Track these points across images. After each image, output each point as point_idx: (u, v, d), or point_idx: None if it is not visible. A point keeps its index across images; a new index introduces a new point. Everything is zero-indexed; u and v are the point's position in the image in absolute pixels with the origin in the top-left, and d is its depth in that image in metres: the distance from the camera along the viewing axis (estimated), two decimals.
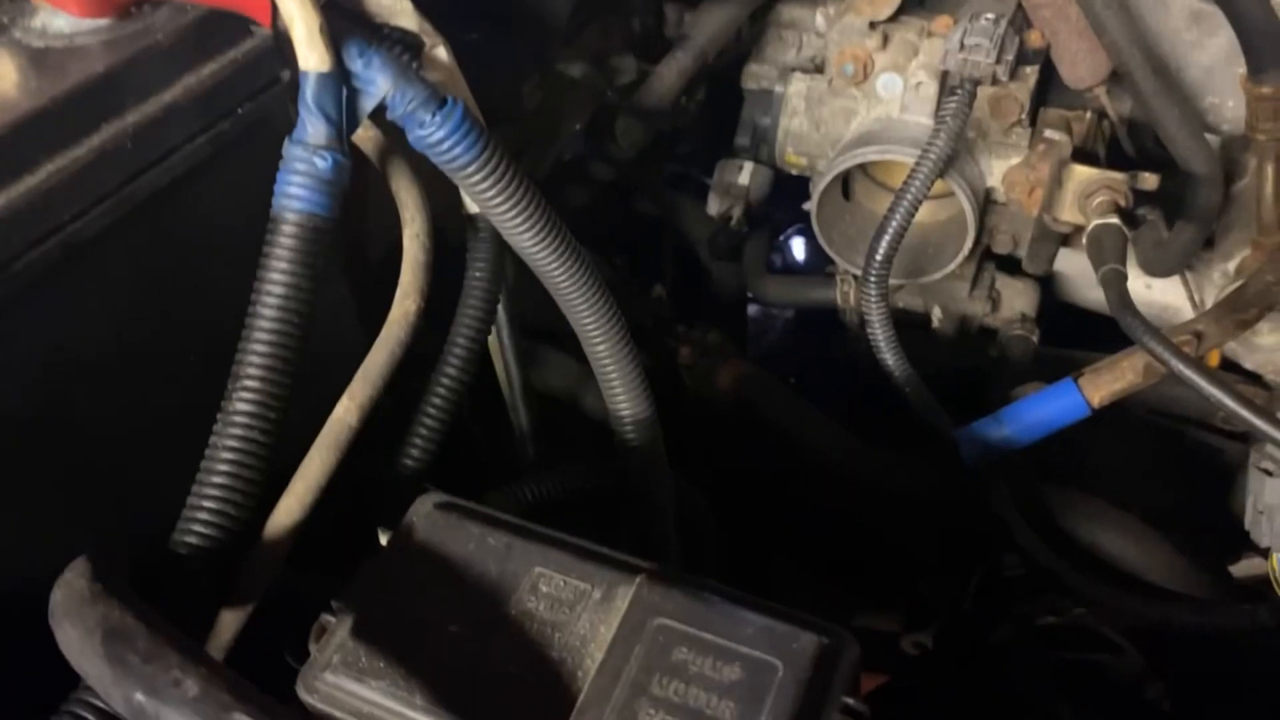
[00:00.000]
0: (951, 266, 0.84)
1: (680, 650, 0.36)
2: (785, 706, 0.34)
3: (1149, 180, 0.75)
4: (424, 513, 0.45)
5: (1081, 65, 0.81)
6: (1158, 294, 0.91)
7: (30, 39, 0.44)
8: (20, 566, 0.41)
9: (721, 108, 0.97)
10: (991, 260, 0.93)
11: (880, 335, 0.78)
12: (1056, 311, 1.00)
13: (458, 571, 0.42)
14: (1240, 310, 0.67)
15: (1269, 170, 0.79)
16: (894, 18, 0.83)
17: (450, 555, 0.43)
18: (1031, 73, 0.82)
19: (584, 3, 0.79)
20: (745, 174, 0.93)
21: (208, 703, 0.31)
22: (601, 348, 0.55)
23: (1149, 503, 0.83)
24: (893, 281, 0.88)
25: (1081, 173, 0.74)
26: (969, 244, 0.82)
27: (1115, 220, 0.71)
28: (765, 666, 0.35)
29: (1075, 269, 0.93)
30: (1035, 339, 0.93)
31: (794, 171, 0.91)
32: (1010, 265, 0.93)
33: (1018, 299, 0.94)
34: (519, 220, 0.49)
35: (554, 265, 0.50)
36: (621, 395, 0.56)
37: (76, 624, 0.35)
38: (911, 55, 0.83)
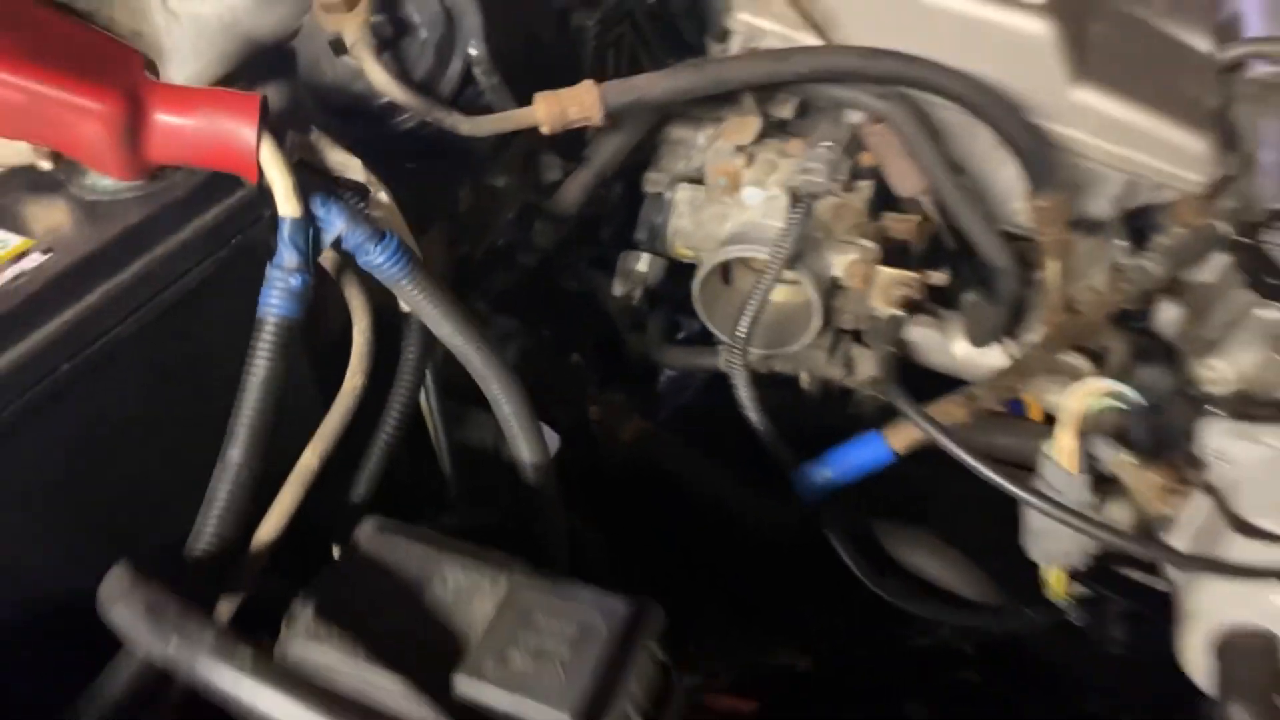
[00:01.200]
0: (806, 339, 1.04)
1: (538, 615, 0.54)
2: (604, 650, 0.52)
3: (937, 278, 0.95)
4: (368, 532, 0.62)
5: (904, 180, 1.01)
6: (988, 358, 1.11)
7: (84, 194, 0.62)
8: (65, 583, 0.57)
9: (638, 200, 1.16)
10: (846, 333, 1.12)
11: (743, 394, 0.97)
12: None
13: (391, 573, 0.59)
14: (1007, 378, 0.87)
15: (1050, 264, 1.00)
16: (758, 141, 1.04)
17: (386, 562, 0.60)
18: (866, 186, 1.02)
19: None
20: (643, 263, 1.12)
21: (223, 646, 0.48)
22: (505, 408, 0.72)
23: (980, 533, 1.02)
24: (765, 351, 1.07)
25: (884, 272, 0.94)
26: (817, 322, 1.02)
27: (897, 312, 0.91)
28: (593, 624, 0.53)
29: (920, 337, 1.13)
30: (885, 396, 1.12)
31: (684, 260, 1.11)
32: None
33: (867, 365, 1.13)
34: (438, 316, 0.67)
35: (464, 346, 0.69)
36: (521, 446, 0.74)
37: (124, 603, 0.52)
38: (771, 172, 1.03)
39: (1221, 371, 0.89)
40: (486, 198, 1.04)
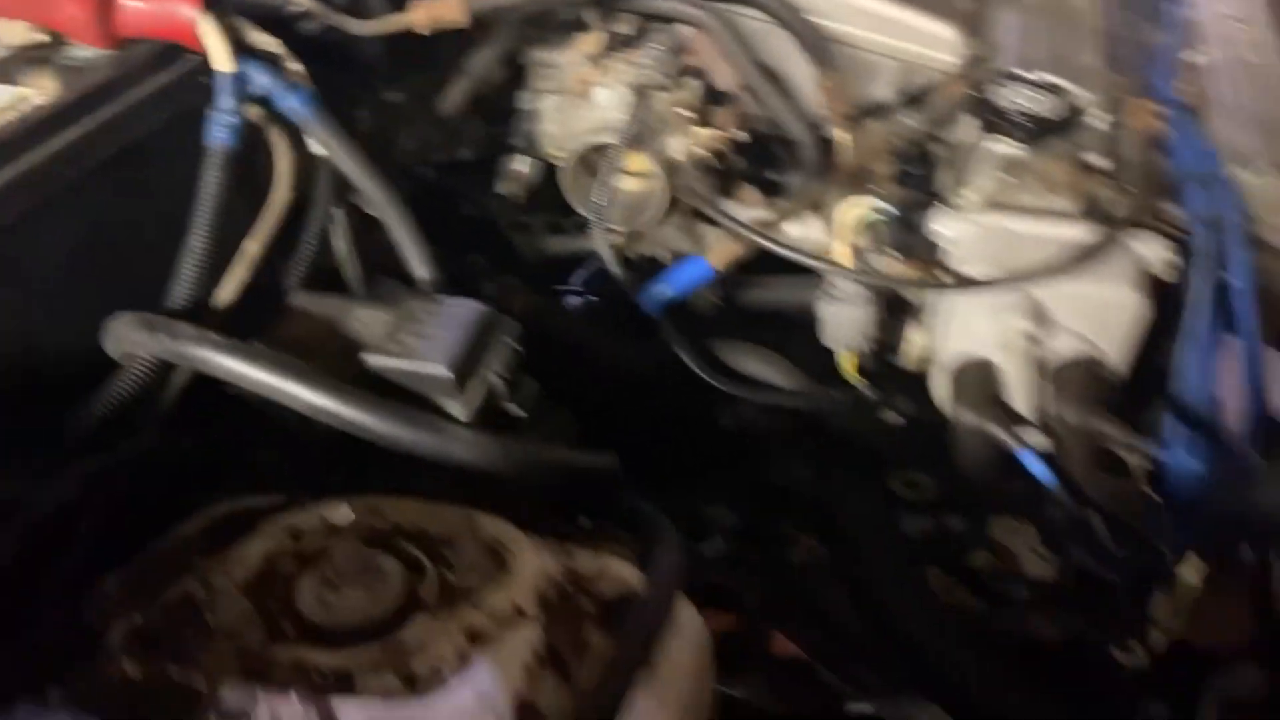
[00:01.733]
0: (657, 214, 1.27)
1: (422, 315, 0.77)
2: (469, 332, 0.75)
3: (740, 135, 1.20)
4: (301, 297, 0.84)
5: (723, 76, 1.26)
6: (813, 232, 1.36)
7: (68, 62, 0.83)
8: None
9: None
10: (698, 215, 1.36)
11: (603, 251, 1.20)
12: None
13: (317, 316, 0.81)
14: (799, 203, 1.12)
15: (840, 134, 1.25)
16: (606, 53, 1.28)
17: (314, 311, 0.82)
18: (695, 83, 1.27)
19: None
20: (521, 163, 1.34)
21: (201, 335, 0.70)
22: (399, 232, 0.95)
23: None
24: (626, 229, 1.31)
25: (698, 131, 1.19)
26: (664, 196, 1.25)
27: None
28: (462, 317, 0.76)
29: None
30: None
31: (557, 161, 1.33)
32: None
33: (718, 243, 1.36)
34: (340, 152, 0.89)
35: (362, 178, 0.91)
36: (415, 264, 0.96)
37: (122, 322, 0.73)
38: (617, 75, 1.27)
39: (968, 196, 1.15)
40: (387, 115, 1.27)
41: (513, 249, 1.46)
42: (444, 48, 1.29)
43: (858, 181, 1.24)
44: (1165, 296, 1.11)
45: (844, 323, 1.09)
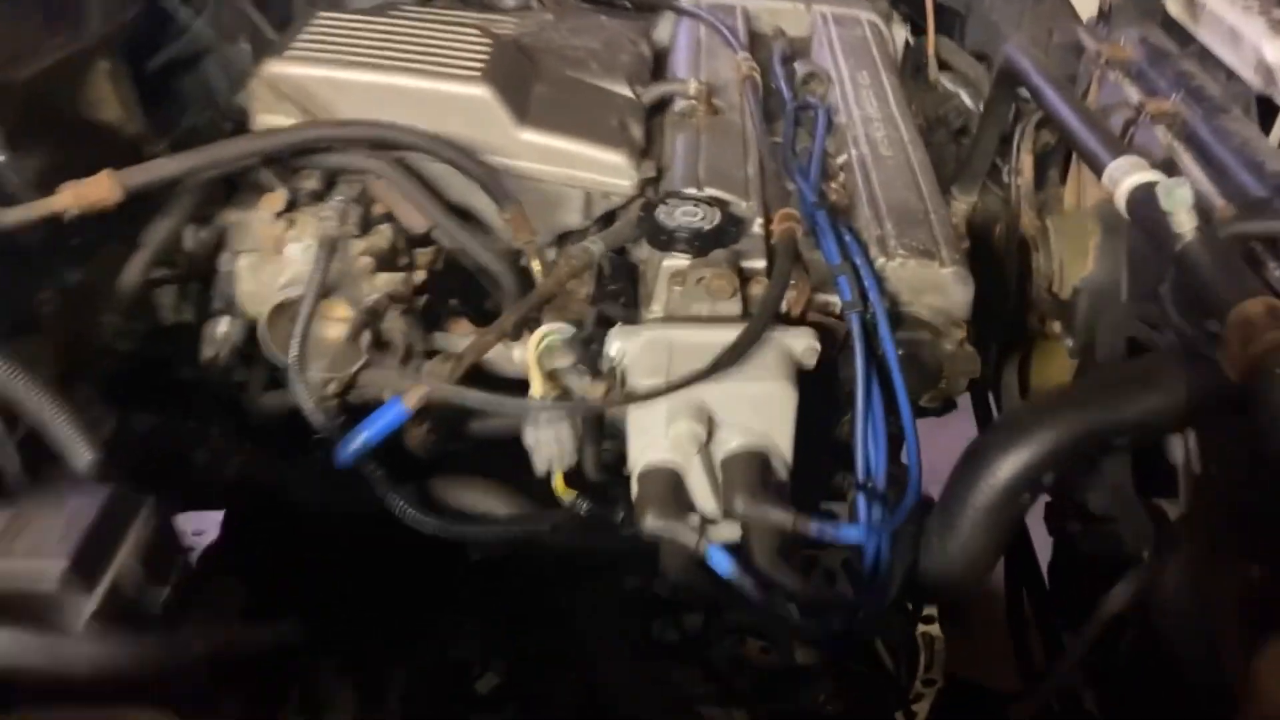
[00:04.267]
0: (358, 361, 1.28)
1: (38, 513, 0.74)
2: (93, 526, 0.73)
3: (417, 276, 1.24)
4: None
5: (411, 219, 1.30)
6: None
7: None
8: None
9: None
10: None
11: (308, 411, 1.19)
12: None
13: None
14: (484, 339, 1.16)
15: (533, 263, 1.31)
16: (294, 208, 1.29)
17: None
18: (386, 227, 1.30)
19: None
20: (224, 325, 1.33)
21: None
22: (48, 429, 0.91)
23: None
24: (330, 375, 1.30)
25: (381, 276, 1.22)
26: (365, 344, 1.27)
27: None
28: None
29: (491, 354, 1.40)
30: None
31: (257, 319, 1.33)
32: None
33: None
34: None
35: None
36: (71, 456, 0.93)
37: None
38: (306, 229, 1.29)
39: (653, 310, 1.22)
40: (72, 296, 1.23)
41: (237, 408, 1.43)
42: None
43: (558, 305, 1.30)
44: (834, 381, 1.21)
45: (544, 445, 1.13)
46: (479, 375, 1.27)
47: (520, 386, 1.19)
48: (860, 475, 1.13)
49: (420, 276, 1.25)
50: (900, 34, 1.94)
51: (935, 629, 1.54)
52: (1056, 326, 1.60)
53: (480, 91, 1.30)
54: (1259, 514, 0.93)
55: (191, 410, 1.40)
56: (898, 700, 1.54)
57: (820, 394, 1.23)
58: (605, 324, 1.18)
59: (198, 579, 0.80)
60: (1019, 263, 1.77)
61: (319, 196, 1.33)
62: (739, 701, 1.46)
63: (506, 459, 1.28)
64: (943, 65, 2.06)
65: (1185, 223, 1.02)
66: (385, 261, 1.27)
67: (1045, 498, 1.45)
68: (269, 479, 1.26)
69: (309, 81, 1.29)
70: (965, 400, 1.78)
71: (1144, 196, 1.11)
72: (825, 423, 1.29)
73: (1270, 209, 1.15)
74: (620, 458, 1.15)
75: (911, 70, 2.05)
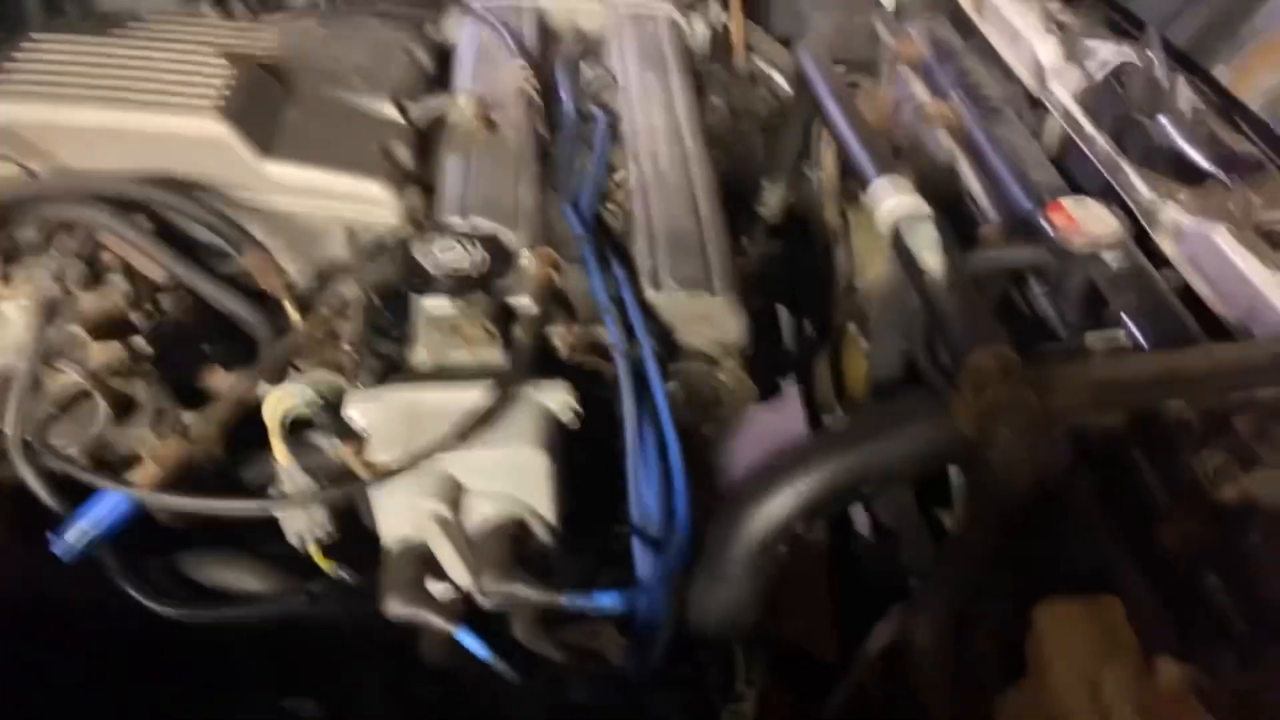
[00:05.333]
0: (95, 428, 1.17)
1: None
2: None
3: (139, 343, 1.14)
4: None
5: (148, 269, 1.20)
6: None
7: None
8: None
9: None
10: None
11: (32, 484, 1.08)
12: None
13: None
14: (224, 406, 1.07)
15: (287, 306, 1.22)
16: (12, 263, 1.17)
17: None
18: (118, 278, 1.19)
19: None
20: None
21: None
22: None
23: None
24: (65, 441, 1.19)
25: (94, 346, 1.12)
26: (102, 404, 1.16)
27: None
28: None
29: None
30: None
31: None
32: None
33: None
34: None
35: None
36: None
37: None
38: (24, 288, 1.16)
39: (419, 354, 1.14)
40: None
41: None
42: None
43: (316, 351, 1.22)
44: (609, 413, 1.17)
45: (293, 519, 1.05)
46: (252, 418, 1.20)
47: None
48: (635, 519, 1.10)
49: (144, 348, 1.15)
50: (702, 27, 1.88)
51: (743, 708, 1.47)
52: (853, 328, 1.60)
53: (214, 125, 1.19)
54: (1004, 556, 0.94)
55: None
56: None
57: (597, 439, 1.19)
58: (372, 369, 1.11)
59: None
60: (823, 257, 1.77)
61: (41, 248, 1.21)
62: None
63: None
64: (749, 49, 2.02)
65: (929, 261, 1.01)
66: (116, 320, 1.16)
67: None
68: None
69: (15, 124, 1.16)
70: None
71: (900, 229, 1.10)
72: (604, 469, 1.25)
73: (1028, 230, 1.15)
74: None
75: (721, 58, 2.01)
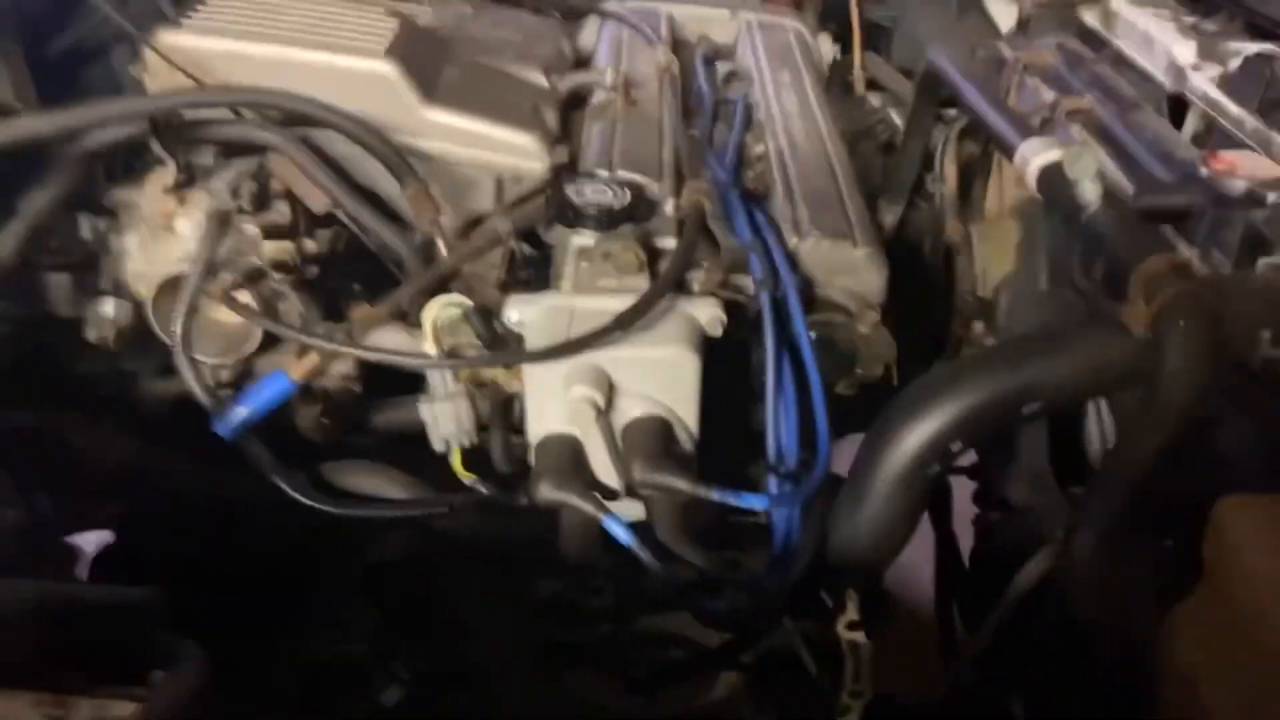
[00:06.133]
0: (251, 346, 1.22)
1: None
2: None
3: (309, 245, 1.19)
4: None
5: (312, 198, 1.25)
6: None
7: None
8: None
9: None
10: None
11: (196, 391, 1.12)
12: None
13: None
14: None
15: (440, 243, 1.26)
16: (186, 184, 1.24)
17: None
18: (283, 205, 1.25)
19: None
20: (109, 306, 1.26)
21: None
22: None
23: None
24: (219, 360, 1.23)
25: (268, 244, 1.17)
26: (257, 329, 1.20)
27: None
28: None
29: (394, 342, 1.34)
30: (358, 389, 1.32)
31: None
32: None
33: (343, 365, 1.32)
34: None
35: None
36: None
37: None
38: (198, 205, 1.23)
39: (563, 287, 1.17)
40: None
41: (128, 399, 1.35)
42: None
43: (466, 289, 1.25)
44: (745, 354, 1.18)
45: (441, 419, 1.07)
46: (383, 375, 1.23)
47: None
48: (771, 457, 1.09)
49: (314, 248, 1.20)
50: (828, 48, 1.94)
51: (860, 636, 1.48)
52: (979, 326, 1.59)
53: (384, 67, 1.26)
54: (1169, 487, 0.91)
55: (80, 402, 1.33)
56: (825, 714, 1.48)
57: (733, 383, 1.20)
58: None
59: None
60: (944, 271, 1.77)
61: (214, 172, 1.28)
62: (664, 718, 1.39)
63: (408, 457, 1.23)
64: (870, 82, 2.07)
65: (1090, 190, 1.01)
66: (279, 237, 1.21)
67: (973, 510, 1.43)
68: (154, 467, 1.19)
69: (204, 53, 1.24)
70: None
71: (1053, 173, 1.10)
72: (739, 414, 1.25)
73: (1176, 187, 1.15)
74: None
75: (840, 86, 2.06)
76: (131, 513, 1.38)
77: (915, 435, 0.95)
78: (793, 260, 1.20)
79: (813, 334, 1.19)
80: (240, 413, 1.05)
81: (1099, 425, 1.15)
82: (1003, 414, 0.94)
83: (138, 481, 1.22)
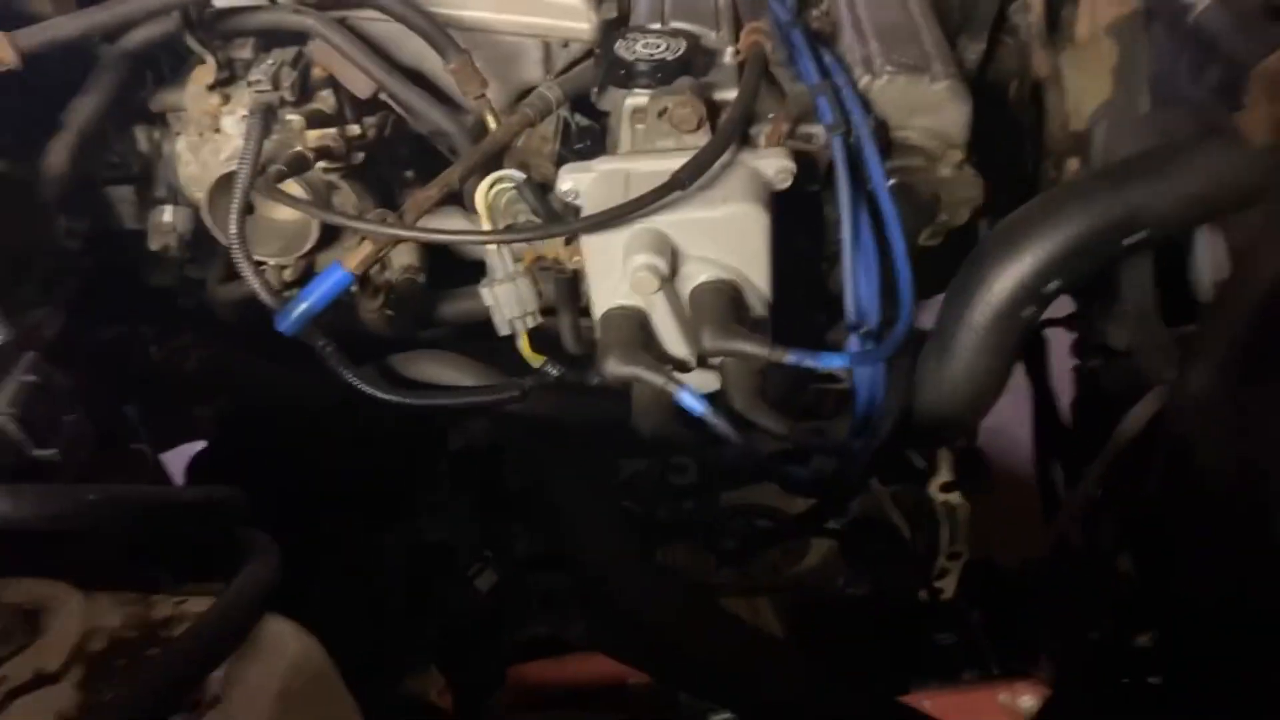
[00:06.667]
0: (309, 244, 1.19)
1: None
2: None
3: (353, 129, 1.14)
4: None
5: (356, 84, 1.20)
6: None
7: None
8: None
9: None
10: None
11: (258, 288, 1.10)
12: None
13: None
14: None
15: (487, 115, 1.20)
16: (228, 81, 1.20)
17: None
18: (327, 94, 1.20)
19: None
20: (168, 214, 1.25)
21: None
22: None
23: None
24: (280, 260, 1.22)
25: (311, 133, 1.13)
26: (315, 225, 1.18)
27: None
28: None
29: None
30: (422, 280, 1.29)
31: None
32: None
33: (403, 256, 1.29)
34: None
35: None
36: None
37: None
38: (243, 100, 1.19)
39: (623, 147, 1.11)
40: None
41: (199, 306, 1.36)
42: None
43: (520, 163, 1.20)
44: (817, 210, 1.11)
45: (503, 301, 1.04)
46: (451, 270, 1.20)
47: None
48: (851, 316, 1.03)
49: (361, 134, 1.15)
50: None
51: (956, 497, 1.43)
52: (1074, 163, 1.46)
53: None
54: None
55: (155, 314, 1.34)
56: (921, 577, 1.45)
57: (804, 241, 1.13)
58: None
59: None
60: (1033, 110, 1.64)
61: (250, 65, 1.24)
62: (758, 589, 1.38)
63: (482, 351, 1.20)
64: None
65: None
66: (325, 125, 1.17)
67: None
68: (233, 372, 1.19)
69: None
70: None
71: None
72: (814, 273, 1.18)
73: None
74: None
75: None
76: (219, 420, 1.40)
77: (1008, 275, 0.87)
78: (866, 102, 1.11)
79: (891, 180, 1.11)
80: (298, 307, 1.02)
81: (1210, 255, 1.05)
82: (1105, 246, 0.86)
83: (219, 388, 1.23)
